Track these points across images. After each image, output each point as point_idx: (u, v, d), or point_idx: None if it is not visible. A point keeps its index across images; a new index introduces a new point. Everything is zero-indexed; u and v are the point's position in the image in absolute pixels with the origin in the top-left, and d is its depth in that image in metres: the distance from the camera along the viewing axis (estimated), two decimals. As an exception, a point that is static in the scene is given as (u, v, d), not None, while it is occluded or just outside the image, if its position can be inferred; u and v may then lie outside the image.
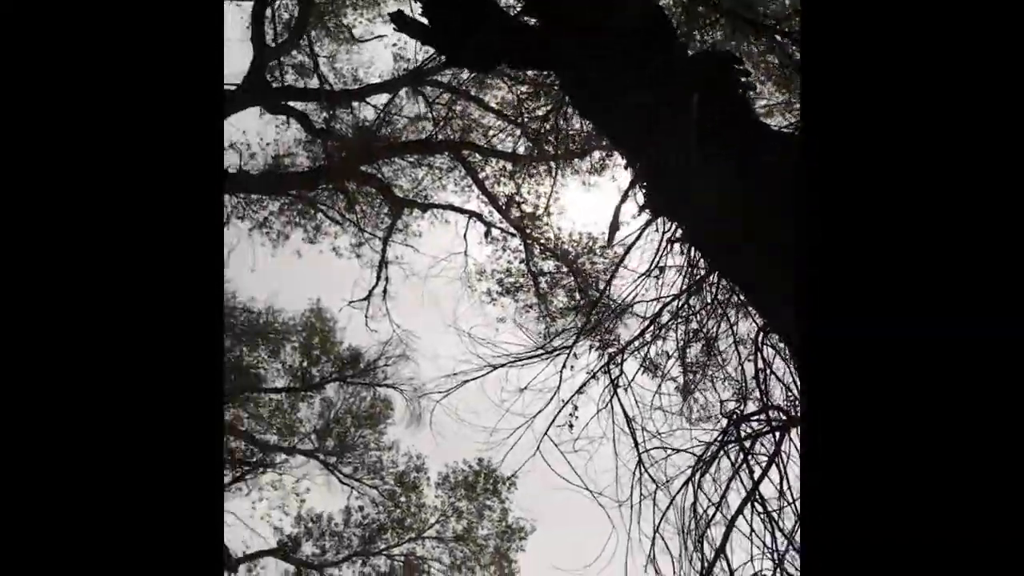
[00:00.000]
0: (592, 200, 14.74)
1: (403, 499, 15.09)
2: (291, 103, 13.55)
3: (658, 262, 6.07)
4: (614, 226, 5.80)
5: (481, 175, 14.55)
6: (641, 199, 6.17)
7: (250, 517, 14.31)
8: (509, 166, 14.40)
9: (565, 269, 14.52)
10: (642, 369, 6.66)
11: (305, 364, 15.66)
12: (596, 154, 13.94)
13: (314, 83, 13.71)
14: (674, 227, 5.90)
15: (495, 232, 14.74)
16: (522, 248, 14.72)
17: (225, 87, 12.09)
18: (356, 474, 15.44)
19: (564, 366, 6.97)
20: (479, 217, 14.68)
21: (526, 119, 13.38)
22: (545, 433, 6.03)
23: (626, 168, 6.69)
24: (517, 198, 14.55)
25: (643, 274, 5.85)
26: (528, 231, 14.65)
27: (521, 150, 14.05)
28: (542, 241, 14.63)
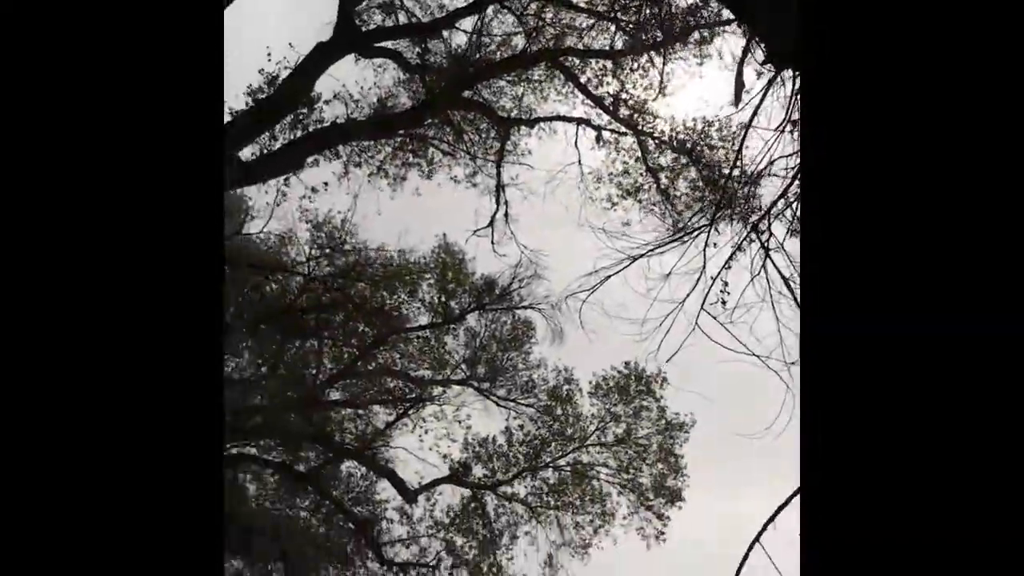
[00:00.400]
0: (700, 83, 14.18)
1: (559, 412, 15.39)
2: (384, 44, 13.60)
3: (790, 115, 5.79)
4: (739, 85, 5.55)
5: (583, 79, 14.23)
6: (761, 55, 5.87)
7: (419, 449, 14.98)
8: (609, 64, 14.01)
9: (684, 159, 14.12)
10: (790, 233, 6.44)
11: (443, 299, 16.03)
12: (697, 33, 13.34)
13: (402, 19, 13.67)
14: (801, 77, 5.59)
15: (605, 135, 14.47)
16: (636, 146, 14.39)
17: (318, 41, 12.24)
18: (511, 395, 15.82)
19: (707, 244, 6.83)
20: (587, 122, 14.42)
21: (619, 11, 12.93)
22: (701, 307, 5.95)
23: (739, 25, 6.36)
24: (623, 95, 14.19)
25: (777, 129, 5.59)
26: (639, 127, 14.28)
27: (619, 45, 13.62)
28: (655, 135, 14.24)
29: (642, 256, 7.02)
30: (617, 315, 7.33)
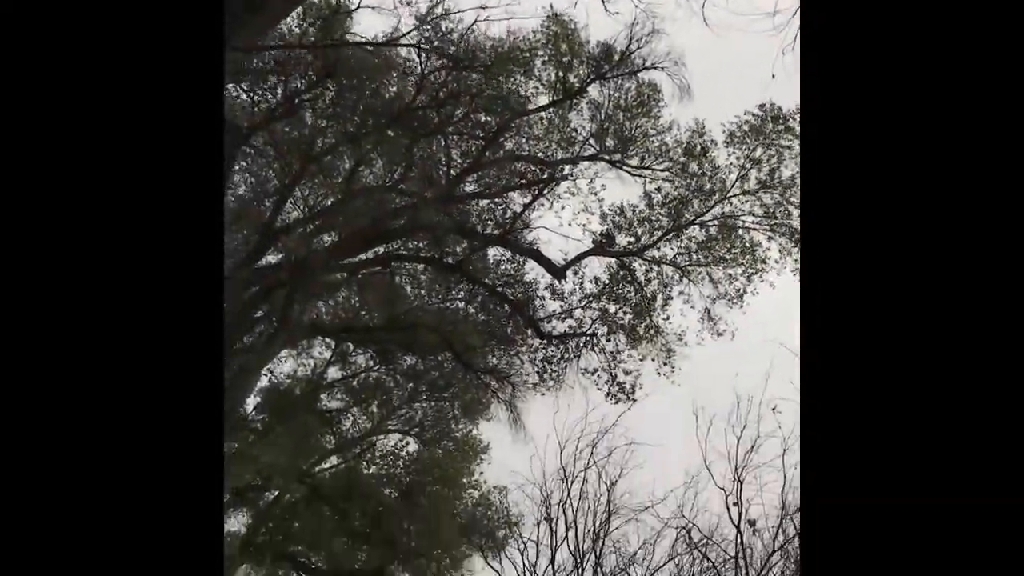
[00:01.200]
0: None
1: (696, 168, 14.93)
2: None
3: None
4: None
5: None
6: None
7: (560, 227, 15.05)
8: None
9: None
10: None
11: (560, 74, 15.51)
12: None
13: None
14: None
15: None
16: None
17: None
18: (644, 163, 15.46)
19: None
20: None
21: None
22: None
23: None
24: None
25: None
26: None
27: None
28: None
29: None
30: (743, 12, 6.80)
